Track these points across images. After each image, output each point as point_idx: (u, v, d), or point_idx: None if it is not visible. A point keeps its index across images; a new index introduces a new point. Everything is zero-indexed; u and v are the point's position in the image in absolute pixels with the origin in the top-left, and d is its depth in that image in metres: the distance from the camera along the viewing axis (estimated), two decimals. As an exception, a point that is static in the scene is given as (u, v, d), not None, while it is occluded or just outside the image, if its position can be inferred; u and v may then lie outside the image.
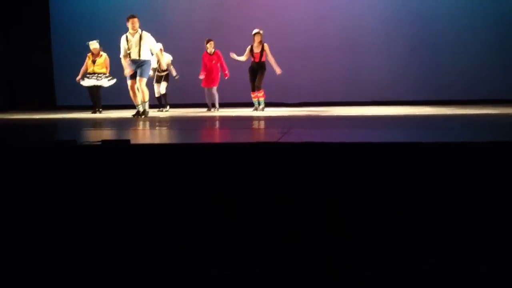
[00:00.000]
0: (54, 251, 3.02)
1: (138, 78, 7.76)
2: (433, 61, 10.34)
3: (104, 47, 9.75)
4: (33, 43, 11.35)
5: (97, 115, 9.12)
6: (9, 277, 2.25)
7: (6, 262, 2.90)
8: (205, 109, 9.64)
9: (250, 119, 7.17)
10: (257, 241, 3.02)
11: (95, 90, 9.78)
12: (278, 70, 8.86)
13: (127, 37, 7.76)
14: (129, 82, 7.82)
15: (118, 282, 2.14)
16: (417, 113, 7.33)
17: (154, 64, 9.17)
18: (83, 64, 9.78)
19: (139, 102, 7.91)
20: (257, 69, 8.89)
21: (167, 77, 9.78)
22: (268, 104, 9.35)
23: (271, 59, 8.88)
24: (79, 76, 9.73)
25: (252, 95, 9.04)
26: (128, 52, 7.71)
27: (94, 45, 9.67)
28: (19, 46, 11.40)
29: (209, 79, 9.45)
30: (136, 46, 7.70)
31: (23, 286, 2.18)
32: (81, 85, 9.82)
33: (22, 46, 11.36)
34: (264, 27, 9.11)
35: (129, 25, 7.73)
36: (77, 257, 3.04)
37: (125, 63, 7.75)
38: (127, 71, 7.75)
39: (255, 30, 8.94)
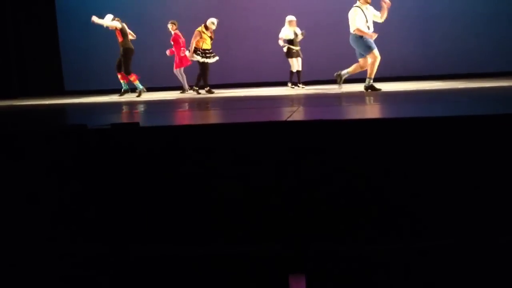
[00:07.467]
0: (62, 236, 3.06)
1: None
2: (442, 34, 10.15)
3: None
4: (40, 29, 11.33)
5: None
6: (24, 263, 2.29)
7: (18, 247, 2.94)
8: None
9: (258, 99, 7.14)
10: (266, 221, 3.02)
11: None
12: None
13: (361, 9, 7.34)
14: (376, 51, 7.40)
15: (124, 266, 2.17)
16: (427, 88, 7.23)
17: (291, 35, 9.06)
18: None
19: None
20: None
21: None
22: (277, 84, 9.27)
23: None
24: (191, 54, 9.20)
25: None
26: (367, 25, 7.34)
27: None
28: (26, 33, 11.39)
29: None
30: (369, 19, 7.39)
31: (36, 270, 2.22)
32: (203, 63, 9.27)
33: (29, 32, 11.34)
34: (274, 4, 8.98)
35: None
36: (87, 241, 3.07)
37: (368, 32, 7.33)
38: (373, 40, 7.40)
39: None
